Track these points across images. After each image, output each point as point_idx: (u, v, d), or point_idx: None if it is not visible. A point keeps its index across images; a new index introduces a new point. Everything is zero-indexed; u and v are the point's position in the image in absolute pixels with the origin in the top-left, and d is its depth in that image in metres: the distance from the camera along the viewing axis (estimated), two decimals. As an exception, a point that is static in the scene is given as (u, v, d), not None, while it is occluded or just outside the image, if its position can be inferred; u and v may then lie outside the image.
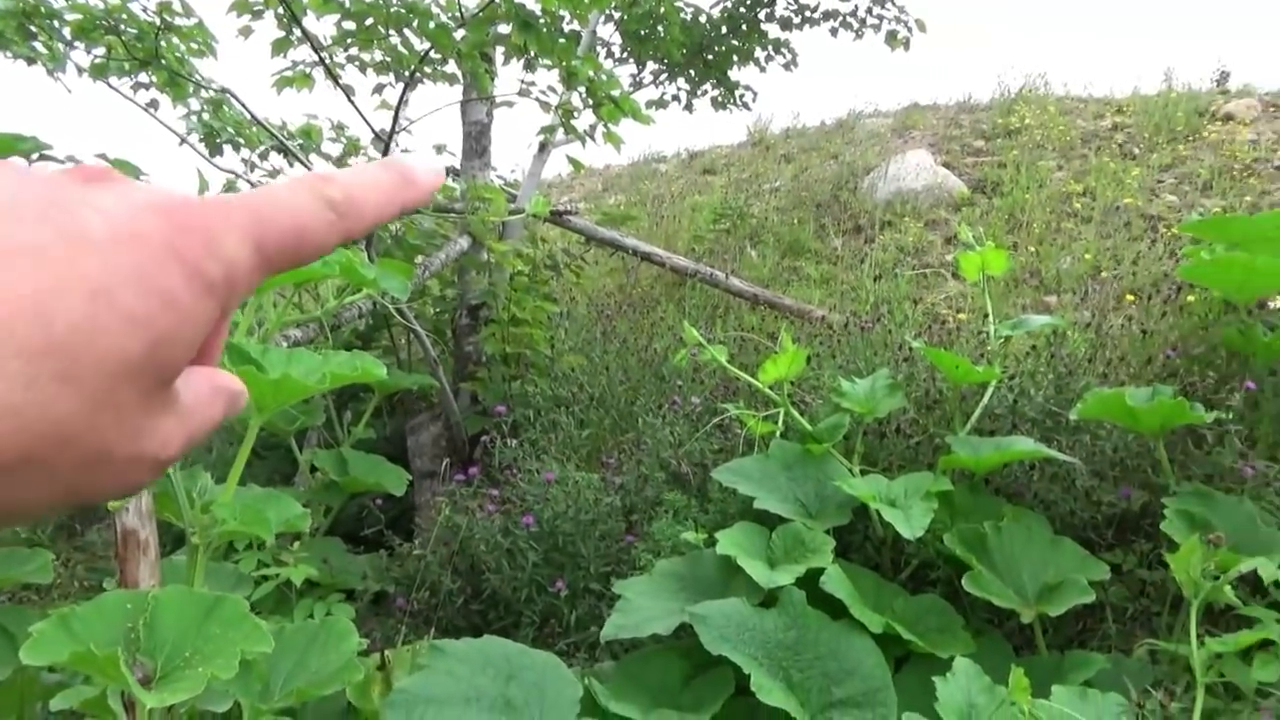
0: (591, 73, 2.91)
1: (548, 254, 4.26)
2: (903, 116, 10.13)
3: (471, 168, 3.93)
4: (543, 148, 4.03)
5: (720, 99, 5.68)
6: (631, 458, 3.00)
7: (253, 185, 3.72)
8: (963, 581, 2.25)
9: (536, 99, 3.18)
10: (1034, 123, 8.20)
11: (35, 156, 2.74)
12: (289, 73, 3.21)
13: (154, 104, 3.77)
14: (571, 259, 4.37)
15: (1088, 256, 5.73)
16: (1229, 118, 7.50)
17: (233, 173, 3.72)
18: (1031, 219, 6.51)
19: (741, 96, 5.66)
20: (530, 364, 3.79)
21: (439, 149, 4.26)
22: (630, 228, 4.78)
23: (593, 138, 3.27)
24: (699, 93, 5.67)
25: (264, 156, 4.08)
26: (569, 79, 2.95)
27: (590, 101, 3.03)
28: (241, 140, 3.88)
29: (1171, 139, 7.45)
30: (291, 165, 3.89)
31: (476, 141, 3.89)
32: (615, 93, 2.99)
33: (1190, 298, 3.20)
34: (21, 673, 2.47)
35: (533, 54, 2.88)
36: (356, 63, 3.13)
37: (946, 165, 7.83)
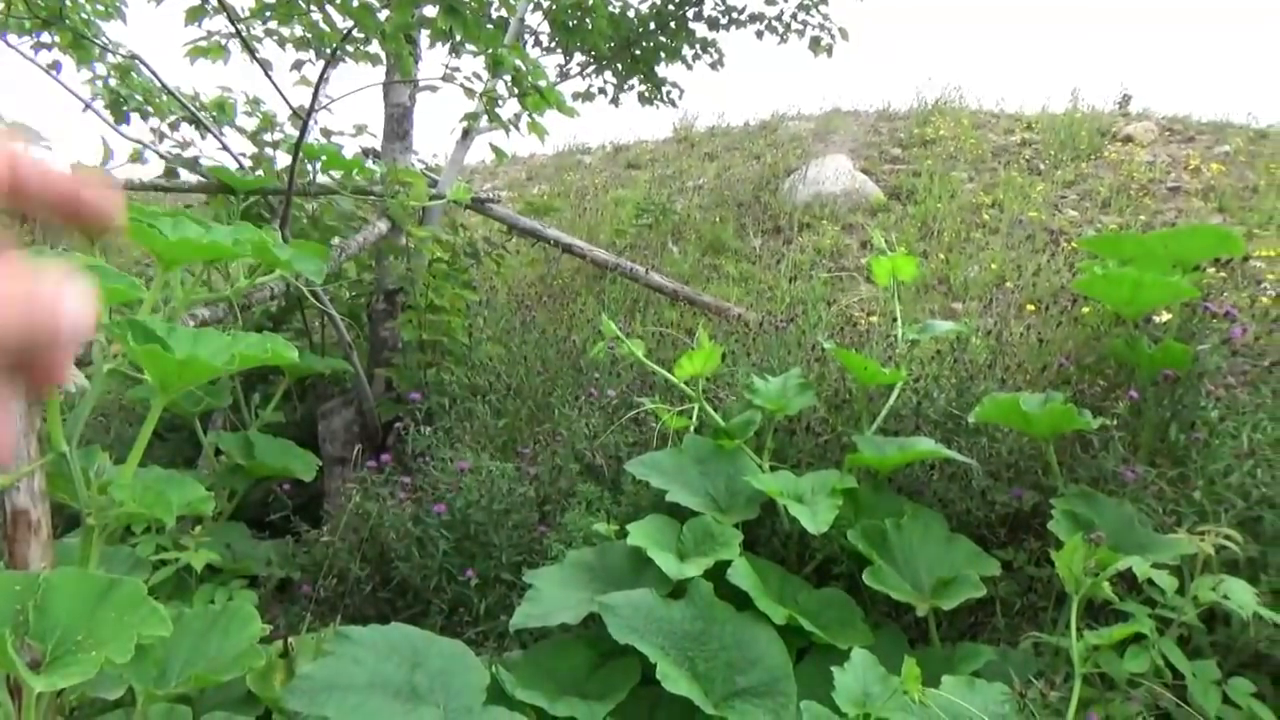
0: (518, 62, 2.90)
1: (468, 241, 4.22)
2: (824, 121, 10.34)
3: (392, 150, 3.87)
4: (466, 134, 3.99)
5: (647, 94, 5.71)
6: (547, 448, 3.00)
7: (161, 156, 3.60)
8: (863, 576, 2.33)
9: (461, 85, 3.15)
10: (948, 134, 8.47)
11: (-76, 115, 2.59)
12: (203, 43, 3.09)
13: (55, 65, 3.60)
14: (492, 248, 4.34)
15: (993, 266, 5.95)
16: (1129, 139, 7.88)
17: (140, 142, 3.58)
18: (943, 227, 6.73)
19: (668, 93, 5.70)
20: (447, 352, 3.76)
21: (359, 129, 4.18)
22: (553, 219, 4.77)
23: (517, 127, 3.26)
24: (626, 87, 5.69)
25: (174, 127, 3.93)
26: (494, 66, 2.93)
27: (515, 90, 3.02)
28: (150, 109, 3.74)
29: (1075, 157, 7.79)
30: (204, 137, 3.77)
31: (398, 124, 3.83)
32: (541, 83, 2.99)
33: (1085, 309, 3.36)
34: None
35: (458, 39, 2.85)
36: (275, 37, 3.04)
37: (865, 171, 8.03)
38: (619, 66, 5.64)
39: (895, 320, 3.07)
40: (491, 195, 4.10)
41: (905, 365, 2.96)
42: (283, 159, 3.92)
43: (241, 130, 3.92)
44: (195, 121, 3.84)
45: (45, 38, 3.52)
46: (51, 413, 1.38)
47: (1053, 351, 3.16)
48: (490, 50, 2.86)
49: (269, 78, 3.03)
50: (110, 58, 3.33)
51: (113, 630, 1.23)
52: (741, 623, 2.18)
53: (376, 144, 4.14)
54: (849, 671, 1.92)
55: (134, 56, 3.30)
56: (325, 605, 2.83)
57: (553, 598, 2.25)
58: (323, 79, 2.94)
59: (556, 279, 5.87)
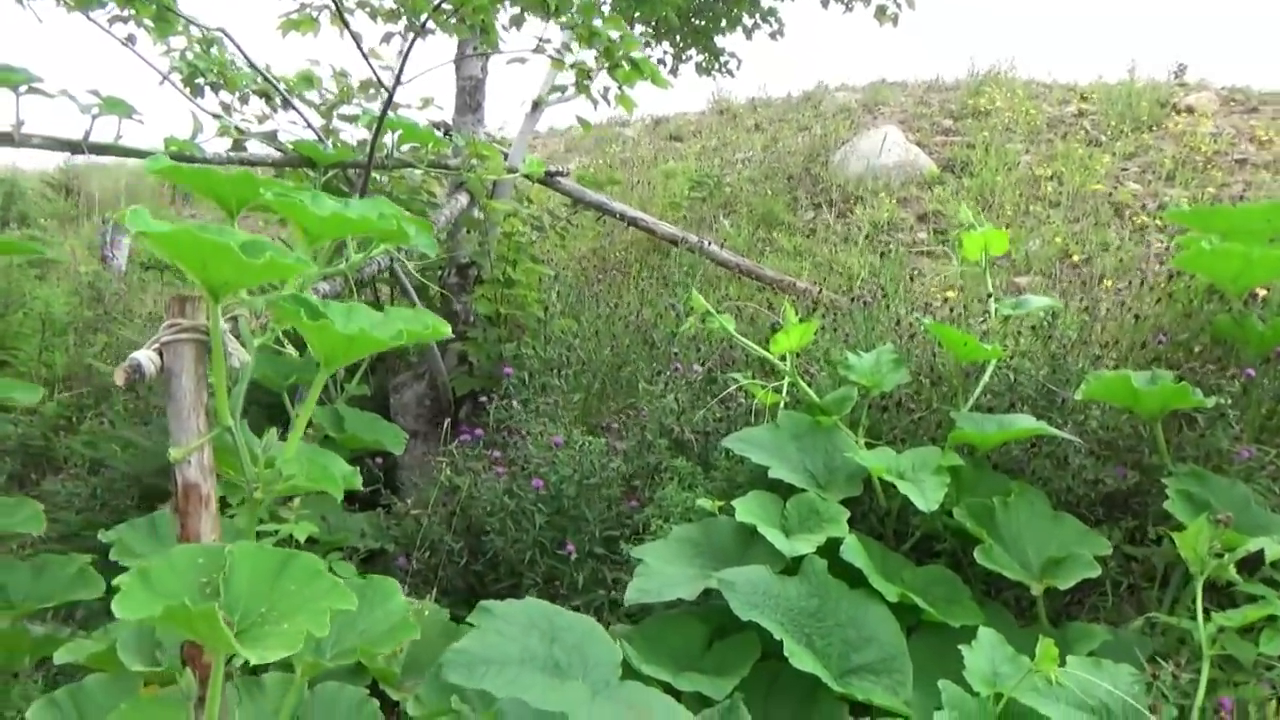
0: (613, 33, 2.86)
1: (532, 215, 4.20)
2: (871, 92, 10.18)
3: (465, 123, 3.84)
4: (535, 107, 3.95)
5: (705, 64, 5.64)
6: (635, 424, 2.99)
7: (240, 131, 3.59)
8: (975, 554, 2.30)
9: (550, 56, 3.11)
10: (1004, 105, 8.31)
11: (24, 89, 2.59)
12: (295, 15, 3.07)
13: (131, 39, 3.60)
14: (556, 221, 4.32)
15: (1057, 240, 5.85)
16: (1190, 110, 7.70)
17: (217, 115, 3.57)
18: (1002, 200, 6.62)
19: (725, 63, 5.62)
20: (520, 326, 3.75)
21: (426, 102, 4.15)
22: (613, 192, 4.74)
23: (606, 100, 3.23)
24: (684, 57, 5.61)
25: (244, 100, 3.92)
26: (589, 38, 2.89)
27: (606, 62, 2.98)
28: (223, 83, 3.73)
29: (1135, 128, 7.63)
30: (276, 111, 3.75)
31: (470, 97, 3.80)
32: (635, 54, 2.95)
33: (1174, 284, 3.30)
34: (13, 625, 2.39)
35: (553, 10, 2.82)
36: (367, 9, 3.01)
37: (917, 143, 7.91)
38: (677, 37, 5.57)
39: (989, 295, 3.02)
40: (561, 169, 4.08)
41: (997, 341, 2.92)
42: (353, 133, 3.91)
43: (310, 103, 3.90)
44: (266, 95, 3.83)
45: (121, 10, 3.52)
46: (218, 388, 1.38)
47: (1146, 328, 3.10)
48: (585, 22, 2.83)
49: (360, 49, 3.01)
50: (195, 31, 3.32)
51: (293, 603, 1.23)
52: (855, 600, 2.17)
53: (442, 116, 4.11)
54: (978, 650, 1.90)
55: (220, 30, 3.30)
56: (419, 578, 2.84)
57: (662, 573, 2.25)
58: (409, 49, 2.92)
59: (611, 252, 5.84)
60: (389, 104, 3.00)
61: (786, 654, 1.90)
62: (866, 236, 6.30)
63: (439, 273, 3.98)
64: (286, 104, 3.82)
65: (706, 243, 4.70)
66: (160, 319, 5.76)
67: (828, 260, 5.98)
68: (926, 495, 2.33)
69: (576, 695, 1.52)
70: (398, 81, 2.92)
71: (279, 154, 3.27)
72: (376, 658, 1.93)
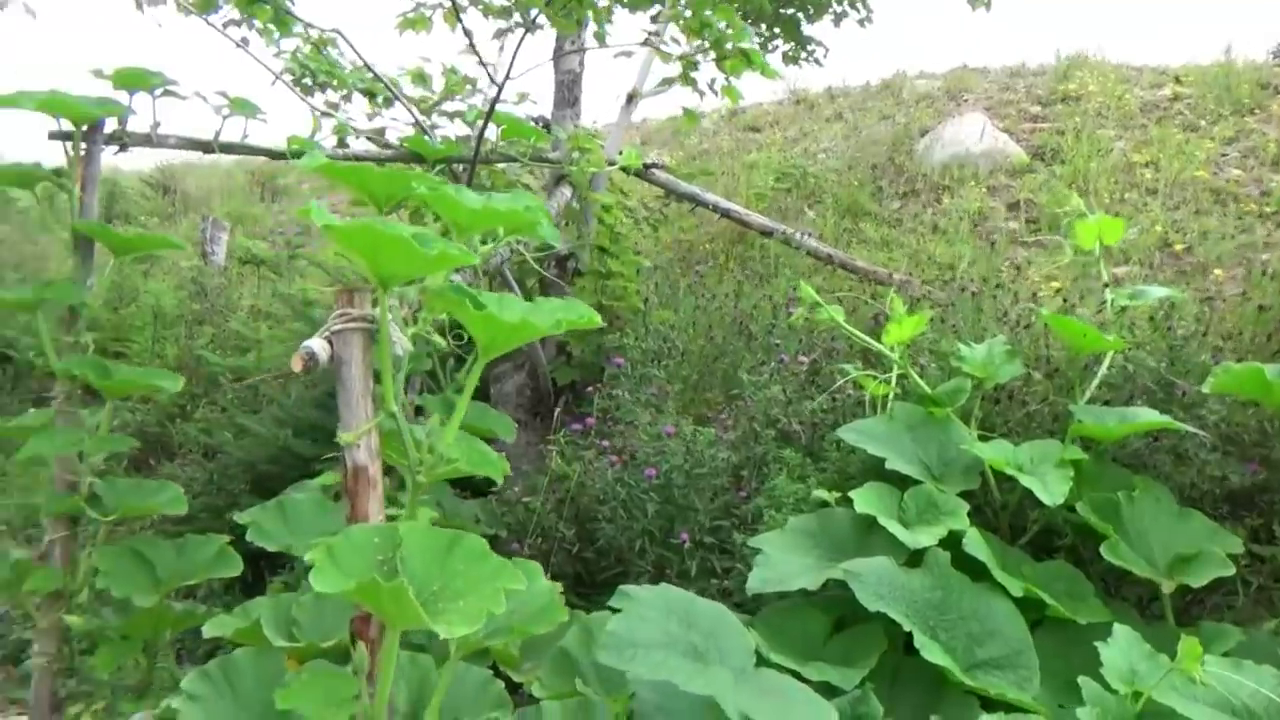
0: (722, 24, 2.87)
1: (627, 207, 4.23)
2: (953, 79, 9.97)
3: (563, 117, 3.89)
4: (630, 99, 3.98)
5: (791, 53, 5.60)
6: (744, 414, 3.01)
7: (346, 128, 3.70)
8: (1101, 550, 2.27)
9: (658, 49, 3.14)
10: (1096, 89, 8.07)
11: (159, 92, 2.71)
12: (411, 14, 3.16)
13: (245, 41, 3.73)
14: (650, 213, 4.35)
15: (1156, 229, 5.68)
16: (1296, 92, 7.38)
17: (329, 113, 3.69)
18: (1096, 188, 6.44)
19: (813, 52, 5.58)
20: (618, 317, 3.79)
21: (522, 97, 4.21)
22: (707, 183, 4.74)
23: (713, 90, 3.24)
24: (770, 47, 5.58)
25: (347, 99, 4.04)
26: (699, 29, 2.91)
27: (714, 53, 2.99)
28: (333, 83, 3.84)
29: (1235, 111, 7.34)
30: (381, 109, 3.86)
31: (569, 91, 3.85)
32: (744, 44, 2.95)
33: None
34: (159, 601, 2.52)
35: (664, 3, 2.84)
36: (480, 5, 3.08)
37: (1004, 130, 7.73)
38: (763, 25, 5.54)
39: (1104, 285, 2.96)
40: (657, 161, 4.10)
41: (1115, 332, 2.86)
42: (449, 129, 3.99)
43: (411, 101, 3.99)
44: (370, 94, 3.94)
45: (235, 14, 3.65)
46: (385, 374, 1.44)
47: (1271, 319, 3.00)
48: (697, 13, 2.84)
49: (472, 46, 3.08)
50: (312, 32, 3.43)
51: (463, 582, 1.28)
52: (978, 594, 2.15)
53: (537, 111, 4.17)
54: (1114, 648, 1.87)
55: (335, 31, 3.41)
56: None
57: (781, 562, 2.26)
58: (519, 45, 2.98)
59: (698, 244, 5.85)
60: (497, 99, 3.06)
61: (917, 646, 1.90)
62: (956, 226, 6.19)
63: (539, 264, 4.04)
64: (389, 102, 3.92)
65: (803, 234, 4.68)
66: (260, 311, 5.94)
67: (917, 251, 5.89)
68: (1050, 489, 2.29)
69: (721, 680, 1.55)
70: (507, 76, 2.98)
71: (389, 150, 3.36)
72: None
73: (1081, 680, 1.77)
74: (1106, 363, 2.75)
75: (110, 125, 2.64)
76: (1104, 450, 2.65)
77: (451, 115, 3.99)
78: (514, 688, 2.31)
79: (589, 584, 2.95)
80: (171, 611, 2.52)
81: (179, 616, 2.56)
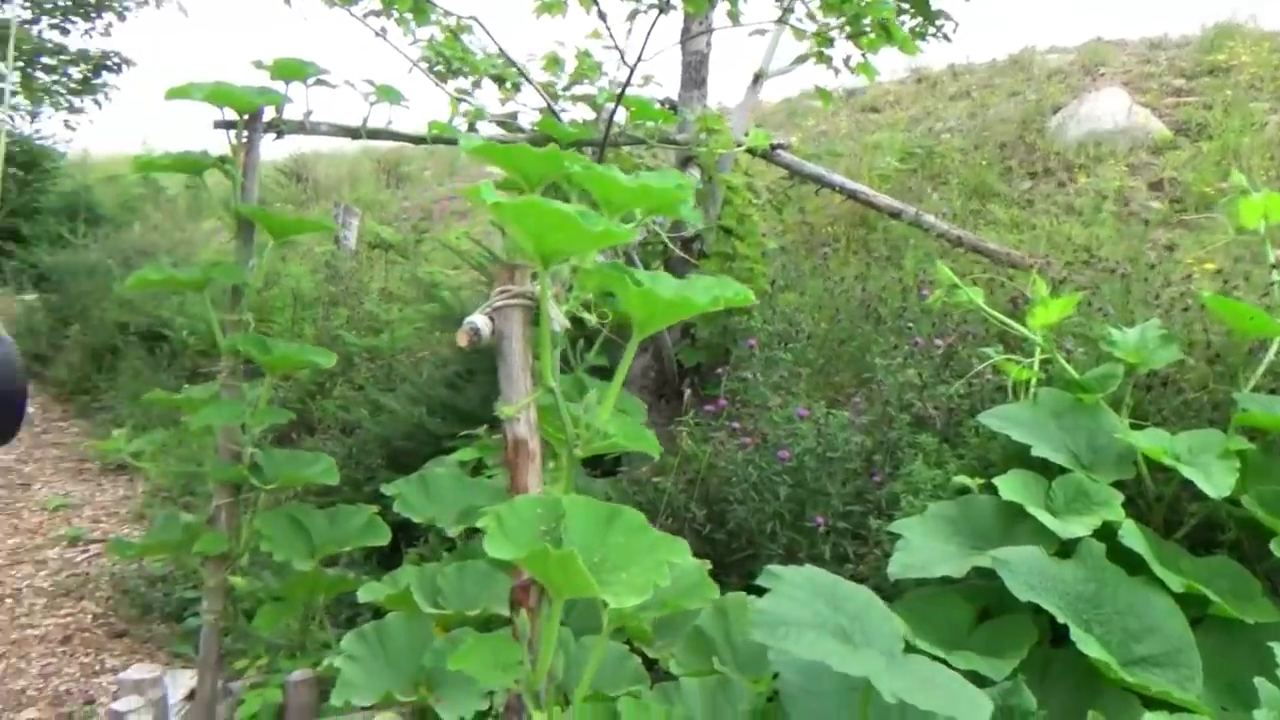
0: (863, -1, 2.82)
1: (751, 188, 4.20)
2: (1087, 52, 9.49)
3: (690, 99, 3.89)
4: (756, 79, 3.95)
5: (919, 29, 5.41)
6: (878, 398, 2.96)
7: (480, 113, 3.78)
8: (1272, 546, 2.14)
9: (791, 26, 3.10)
10: (1249, 59, 7.55)
11: (312, 81, 2.84)
12: (549, -1, 3.23)
13: (383, 31, 3.86)
14: (774, 195, 4.30)
15: (1319, 207, 5.29)
16: None
17: (459, 98, 3.79)
18: (1249, 165, 6.04)
19: (941, 27, 5.38)
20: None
21: (647, 79, 4.23)
22: (833, 164, 4.66)
23: (848, 66, 3.17)
24: (897, 22, 5.41)
25: (477, 85, 4.13)
26: (838, 3, 2.86)
27: (850, 29, 2.93)
28: (464, 68, 3.94)
29: None
30: (513, 94, 3.93)
31: (696, 72, 3.84)
32: (884, 18, 2.89)
33: None
34: (315, 566, 2.66)
35: (802, -21, 2.81)
36: (615, -13, 3.12)
37: (1145, 105, 7.32)
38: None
39: (1272, 266, 2.77)
40: (784, 142, 4.05)
41: (1282, 316, 2.68)
42: (574, 113, 4.03)
43: (540, 85, 4.05)
44: (499, 79, 4.02)
45: (375, 4, 3.78)
46: (544, 350, 1.48)
47: None
48: (833, -10, 2.81)
49: (608, 28, 3.11)
50: (449, 20, 3.53)
51: (624, 554, 1.30)
52: (1135, 588, 2.06)
53: (662, 94, 4.17)
54: (1294, 647, 1.76)
55: (473, 18, 3.50)
56: (660, 543, 2.93)
57: (923, 549, 2.22)
58: (653, 26, 2.99)
59: (819, 225, 5.76)
60: (628, 81, 3.08)
61: (1073, 639, 1.84)
62: (1094, 207, 5.91)
63: (661, 247, 4.06)
64: (517, 87, 4.00)
65: (938, 214, 4.55)
66: (389, 293, 6.16)
67: (1050, 232, 5.65)
68: (1214, 481, 2.18)
69: (874, 662, 1.53)
70: (639, 58, 2.99)
71: (521, 134, 3.42)
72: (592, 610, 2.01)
73: (1258, 681, 1.68)
74: (1275, 348, 2.59)
75: (267, 114, 2.77)
76: (1272, 441, 2.49)
77: (575, 99, 4.04)
78: (647, 664, 2.35)
79: (719, 565, 2.94)
80: (325, 576, 2.65)
81: (331, 581, 2.70)
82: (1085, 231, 5.54)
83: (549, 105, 3.52)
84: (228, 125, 2.65)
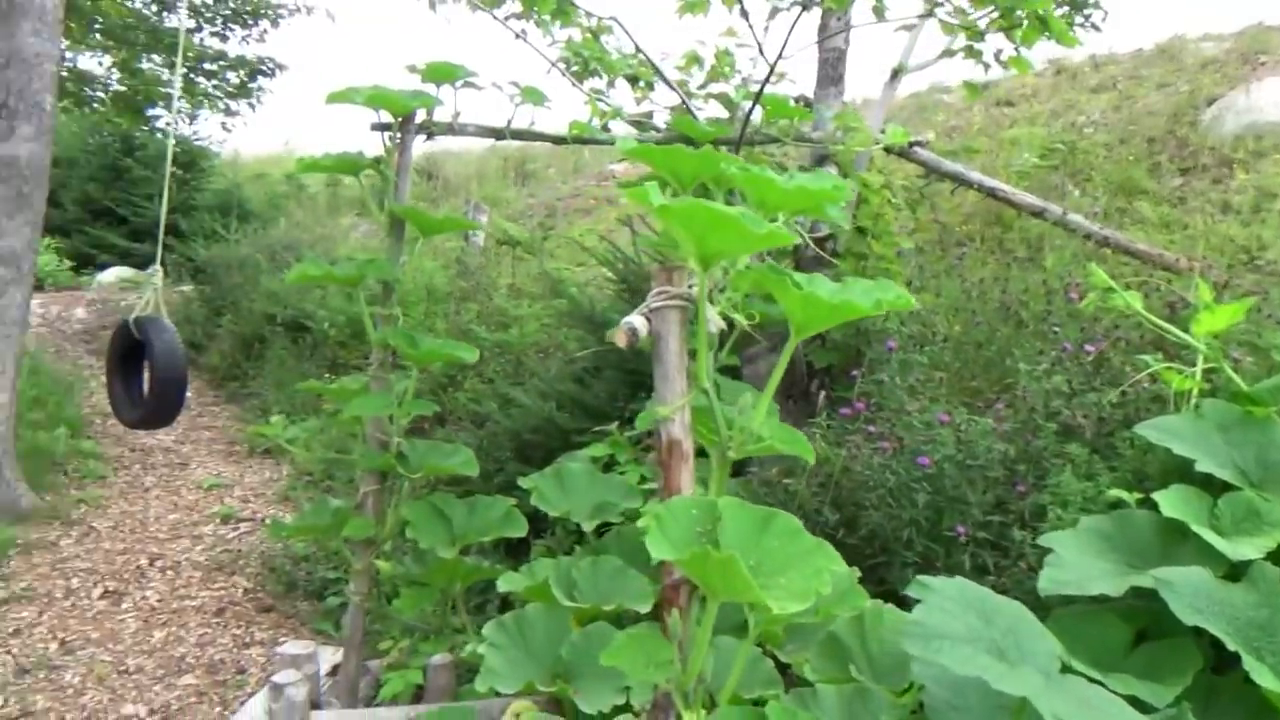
0: (1021, -12, 2.71)
1: (888, 186, 4.11)
2: (1247, 40, 8.90)
3: (826, 96, 3.83)
4: (894, 75, 3.86)
5: (1065, 18, 5.18)
6: (1023, 404, 2.85)
7: (614, 113, 3.83)
8: None
9: (941, 20, 3.02)
10: None
11: (460, 83, 2.93)
12: (694, -2, 3.25)
13: (524, 33, 3.95)
14: (909, 193, 4.20)
15: None
16: None
17: (597, 96, 3.84)
18: None
19: (1089, 16, 5.13)
20: (877, 300, 3.69)
21: (780, 77, 4.18)
22: (972, 161, 4.52)
23: (999, 61, 3.07)
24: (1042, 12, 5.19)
25: (611, 85, 4.18)
26: (997, -6, 2.76)
27: (1004, 23, 2.83)
28: (600, 69, 4.00)
29: None
30: (647, 96, 3.97)
31: (833, 69, 3.78)
32: (1041, 9, 2.77)
33: None
34: (455, 555, 2.75)
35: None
36: (757, -15, 3.11)
37: (1315, 95, 6.80)
38: (1035, -8, 5.16)
39: None
40: (921, 139, 3.95)
41: None
42: (706, 111, 4.03)
43: (672, 85, 4.07)
44: (633, 79, 4.05)
45: (516, 8, 3.87)
46: (700, 351, 1.49)
47: None
48: (988, -19, 2.72)
49: (749, 26, 3.10)
50: (590, 21, 3.60)
51: (779, 559, 1.30)
52: (1314, 616, 1.92)
53: (796, 91, 4.12)
54: None
55: (612, 19, 3.55)
56: (791, 545, 2.91)
57: (1075, 564, 2.13)
58: (795, 23, 2.96)
59: (956, 225, 5.59)
60: (768, 79, 3.06)
61: (1246, 668, 1.73)
62: (1255, 205, 5.53)
63: (794, 247, 4.02)
64: (650, 86, 4.02)
65: (1084, 214, 4.36)
66: (517, 289, 6.30)
67: (1206, 232, 5.32)
68: (1406, 504, 2.01)
69: (1033, 681, 1.48)
70: (780, 55, 2.97)
71: (656, 132, 3.45)
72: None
73: None
74: None
75: (419, 117, 2.88)
76: None
77: (709, 97, 4.04)
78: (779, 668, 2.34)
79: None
80: (464, 564, 2.74)
81: (470, 569, 2.79)
82: (1245, 231, 5.20)
83: (685, 104, 3.53)
84: (383, 128, 2.76)
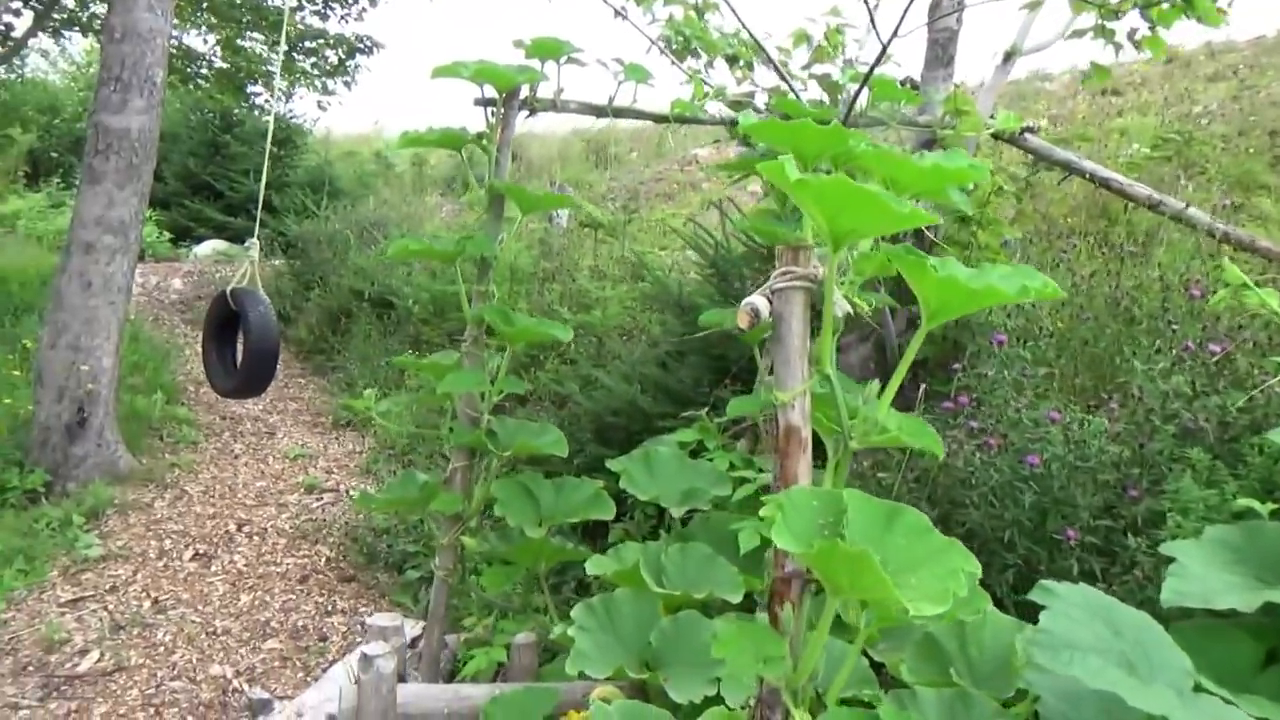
0: (1158, -37, 2.56)
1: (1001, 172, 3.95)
2: (1380, 28, 8.36)
3: (935, 79, 3.69)
4: (1007, 58, 3.70)
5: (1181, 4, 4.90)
6: (1139, 406, 2.70)
7: (715, 91, 3.75)
8: None
9: (1068, -2, 2.87)
10: None
11: (564, 59, 2.89)
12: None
13: (624, 10, 3.90)
14: (1016, 181, 4.03)
15: None
16: None
17: (694, 77, 3.77)
18: None
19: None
20: (979, 291, 3.55)
21: (887, 58, 4.05)
22: (1085, 150, 4.31)
23: (1132, 41, 2.91)
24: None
25: (710, 65, 4.10)
26: (1128, -28, 2.62)
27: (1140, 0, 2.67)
28: (701, 48, 3.92)
29: None
30: (748, 76, 3.88)
31: (943, 50, 3.64)
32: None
33: None
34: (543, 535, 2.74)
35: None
36: (875, -38, 3.01)
37: None
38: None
39: None
40: (1032, 125, 3.78)
41: None
42: (805, 92, 3.92)
43: (776, 65, 3.96)
44: (732, 59, 3.97)
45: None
46: (825, 335, 1.42)
47: None
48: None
49: (866, 4, 3.00)
50: (694, -1, 3.54)
51: (906, 558, 1.23)
52: None
53: (902, 73, 3.98)
54: None
55: (721, -4, 3.48)
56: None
57: (1201, 576, 2.00)
58: (911, 2, 2.84)
59: (1061, 217, 5.37)
60: (879, 59, 2.95)
61: (1400, 697, 1.60)
62: (1389, 203, 5.19)
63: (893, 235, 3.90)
64: (750, 65, 3.93)
65: (1202, 208, 4.12)
66: (599, 271, 6.25)
67: (1331, 230, 5.01)
68: None
69: (1168, 699, 1.39)
70: (894, 34, 2.85)
71: (757, 113, 3.36)
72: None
73: None
74: None
75: (522, 94, 2.85)
76: None
77: (806, 80, 3.93)
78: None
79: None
80: (549, 544, 2.73)
81: (554, 549, 2.77)
82: (1378, 231, 4.88)
83: (788, 85, 3.43)
84: (486, 103, 2.74)
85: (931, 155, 1.54)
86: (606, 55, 3.07)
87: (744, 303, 1.40)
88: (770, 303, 1.41)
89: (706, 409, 3.87)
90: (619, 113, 2.93)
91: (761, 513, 1.23)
